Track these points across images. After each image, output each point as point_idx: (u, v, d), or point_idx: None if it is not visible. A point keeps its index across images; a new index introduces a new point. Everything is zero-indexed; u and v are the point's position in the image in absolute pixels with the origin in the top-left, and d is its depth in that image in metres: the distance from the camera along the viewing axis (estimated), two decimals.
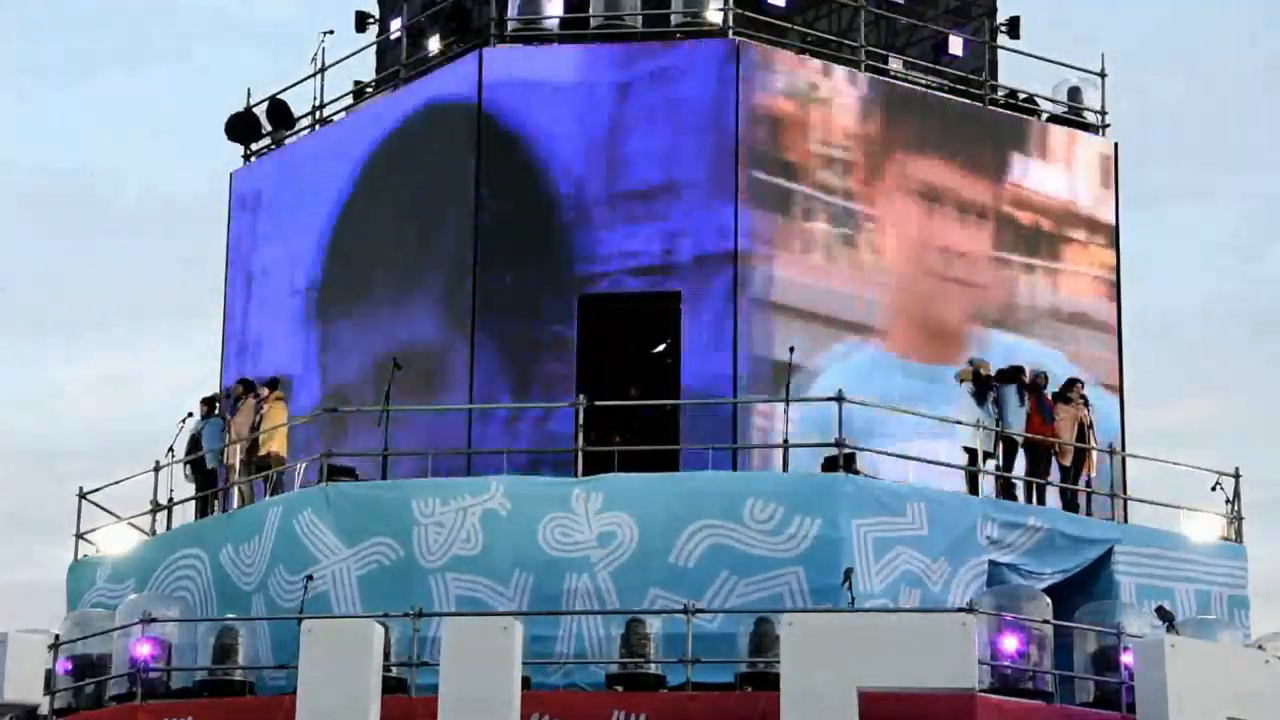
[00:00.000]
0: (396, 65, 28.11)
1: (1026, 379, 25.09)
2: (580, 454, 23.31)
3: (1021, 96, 28.55)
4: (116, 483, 26.07)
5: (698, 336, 25.22)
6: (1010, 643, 21.72)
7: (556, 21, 26.74)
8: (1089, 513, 25.09)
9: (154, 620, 22.81)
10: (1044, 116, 28.63)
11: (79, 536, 26.27)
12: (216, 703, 22.35)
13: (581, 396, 23.84)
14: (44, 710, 23.65)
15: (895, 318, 26.12)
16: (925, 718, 20.46)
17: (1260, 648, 22.77)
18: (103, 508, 26.17)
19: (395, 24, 28.91)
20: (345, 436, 25.41)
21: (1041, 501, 24.84)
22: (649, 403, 25.06)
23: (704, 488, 23.06)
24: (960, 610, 21.37)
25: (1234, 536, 25.31)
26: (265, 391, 25.59)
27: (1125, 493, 25.97)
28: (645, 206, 25.45)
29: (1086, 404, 25.43)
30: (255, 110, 29.34)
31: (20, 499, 48.07)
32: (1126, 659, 21.96)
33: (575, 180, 25.63)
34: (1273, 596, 26.00)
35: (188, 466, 25.95)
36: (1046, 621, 22.15)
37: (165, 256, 49.84)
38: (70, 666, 23.75)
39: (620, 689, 21.71)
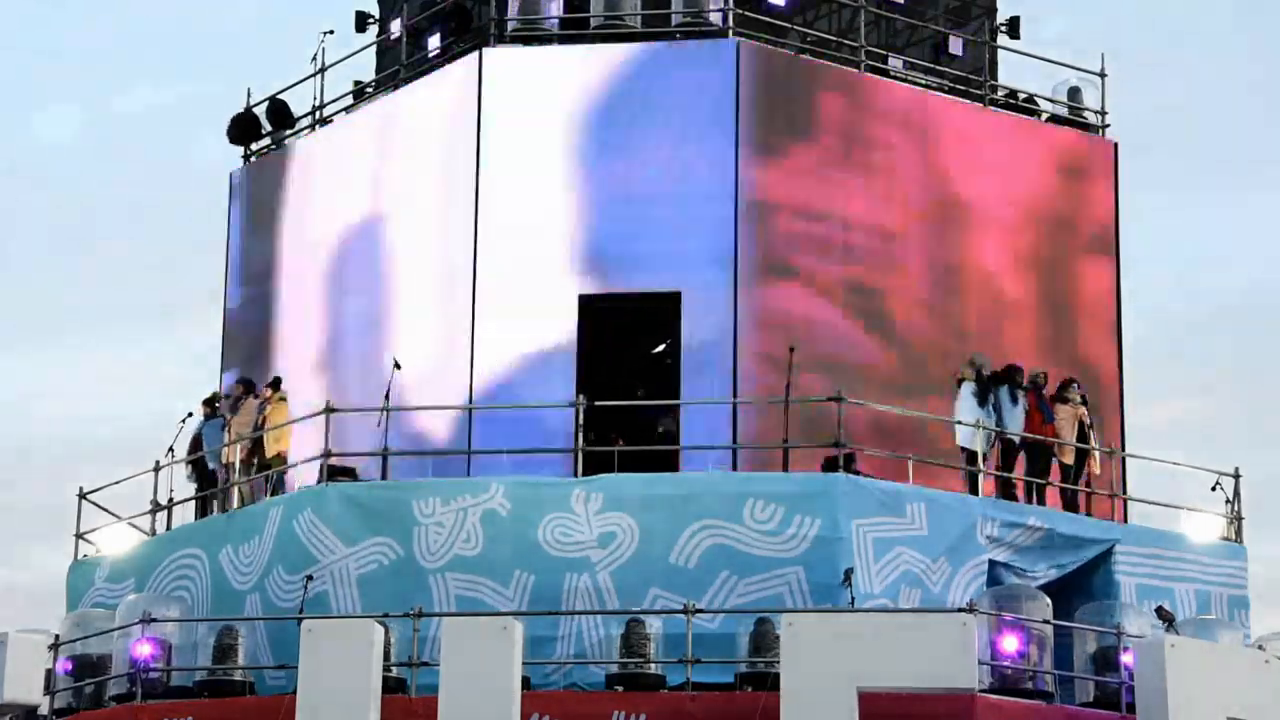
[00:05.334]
0: (396, 65, 28.12)
1: (1023, 379, 25.10)
2: (580, 454, 23.32)
3: (1021, 97, 28.56)
4: (116, 483, 26.08)
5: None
6: (1010, 643, 21.73)
7: (556, 22, 26.74)
8: (1089, 512, 25.10)
9: (154, 620, 22.81)
10: (1044, 116, 28.65)
11: (79, 536, 26.27)
12: (216, 703, 22.35)
13: (581, 397, 23.85)
14: (44, 710, 23.65)
15: None
16: (925, 718, 20.47)
17: (1260, 648, 22.77)
18: (102, 507, 26.15)
19: (395, 24, 28.91)
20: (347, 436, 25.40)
21: (1041, 501, 24.84)
22: (648, 403, 25.05)
23: (704, 488, 23.07)
24: (960, 610, 21.37)
25: (1234, 536, 25.32)
26: (268, 392, 25.57)
27: (1125, 492, 25.98)
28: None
29: (1084, 402, 25.44)
30: (255, 110, 29.34)
31: (7, 499, 48.03)
32: (1127, 659, 21.99)
33: None
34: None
35: (189, 466, 25.94)
36: (1046, 621, 22.16)
37: (154, 255, 49.88)
38: (70, 666, 23.75)
39: (620, 689, 21.71)
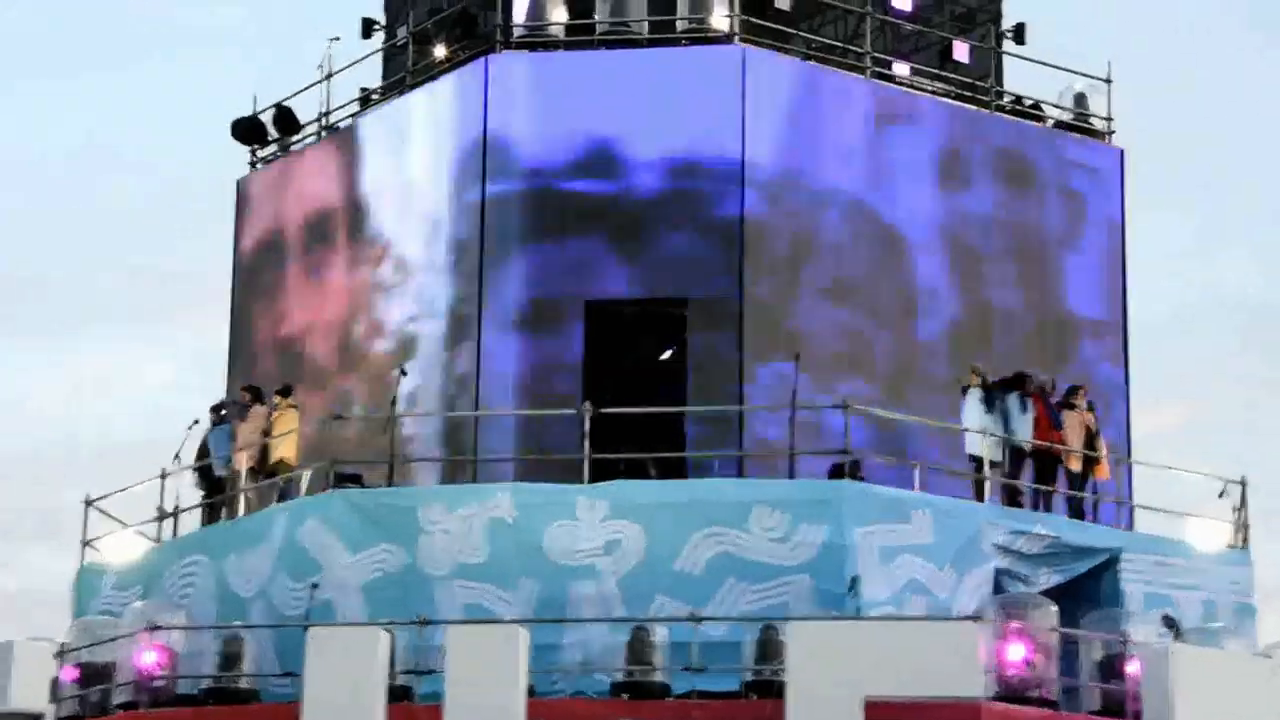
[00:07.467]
0: (402, 72, 28.14)
1: (1029, 387, 25.08)
2: (587, 461, 23.32)
3: (1028, 103, 28.56)
4: (123, 490, 26.07)
5: None
6: (1016, 651, 21.69)
7: (562, 28, 26.77)
8: (1095, 519, 25.09)
9: (159, 628, 22.81)
10: (1050, 123, 28.65)
11: (85, 543, 26.26)
12: (222, 710, 22.34)
13: (587, 404, 23.83)
14: (50, 718, 23.63)
15: None
16: None
17: (1267, 656, 22.73)
18: (109, 514, 26.13)
19: (401, 31, 28.95)
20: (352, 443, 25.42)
21: (1048, 509, 24.83)
22: (654, 410, 24.99)
23: (710, 495, 23.06)
24: (966, 618, 21.35)
25: (1240, 544, 25.28)
26: (278, 399, 25.56)
27: (1131, 499, 25.97)
28: None
29: (1091, 409, 25.43)
30: (260, 116, 29.35)
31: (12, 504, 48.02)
32: (1132, 667, 21.96)
33: None
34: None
35: (195, 474, 25.93)
36: (1052, 629, 22.12)
37: (162, 260, 49.88)
38: (76, 674, 23.73)
39: (626, 697, 21.68)
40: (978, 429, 24.38)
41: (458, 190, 26.22)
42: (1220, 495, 25.18)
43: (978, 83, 28.09)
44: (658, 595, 22.60)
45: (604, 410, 23.59)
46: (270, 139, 29.39)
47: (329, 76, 28.77)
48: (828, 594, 22.32)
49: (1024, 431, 24.72)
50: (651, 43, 26.41)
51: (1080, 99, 28.57)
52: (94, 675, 23.62)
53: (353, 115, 28.94)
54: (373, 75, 29.51)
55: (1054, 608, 22.47)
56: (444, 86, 26.96)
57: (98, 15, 55.15)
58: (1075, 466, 25.08)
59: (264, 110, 29.27)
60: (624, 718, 21.35)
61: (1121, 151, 28.39)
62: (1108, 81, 28.57)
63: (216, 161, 29.97)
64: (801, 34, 27.42)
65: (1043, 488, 24.80)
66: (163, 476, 25.67)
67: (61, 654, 23.74)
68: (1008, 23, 29.29)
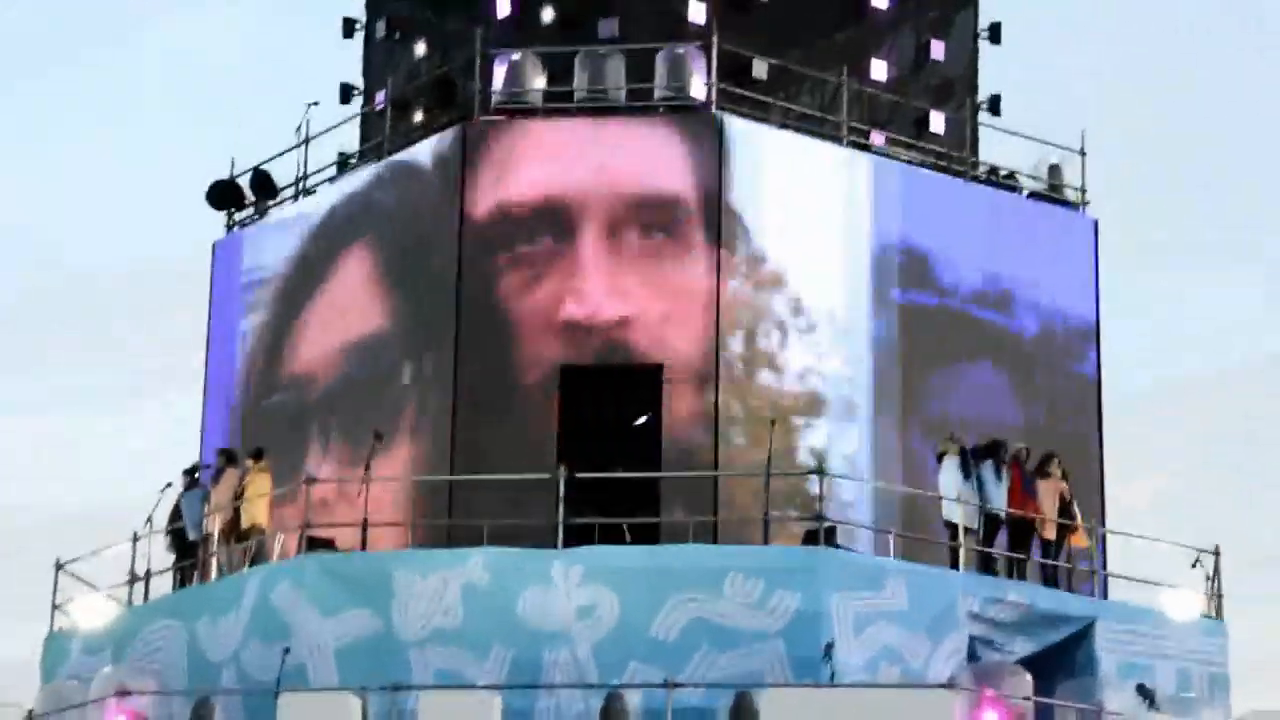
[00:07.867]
0: (380, 137, 28.24)
1: (1005, 455, 25.13)
2: (561, 526, 23.28)
3: (1002, 174, 28.75)
4: (94, 553, 25.94)
5: None
6: (991, 719, 21.65)
7: (541, 95, 26.91)
8: (1070, 588, 25.11)
9: (129, 693, 22.65)
10: (1024, 193, 28.84)
11: (55, 608, 26.11)
12: None
13: (561, 468, 23.80)
14: None
15: None
16: None
17: None
18: (80, 578, 25.99)
19: (380, 96, 29.08)
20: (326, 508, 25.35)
21: (1023, 577, 24.83)
22: (629, 474, 24.98)
23: (684, 561, 23.03)
24: (940, 686, 21.30)
25: (1214, 613, 25.30)
26: (250, 462, 25.49)
27: (1105, 568, 26.00)
28: None
29: (1065, 477, 25.48)
30: (238, 180, 29.38)
31: None
32: None
33: None
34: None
35: (168, 537, 25.82)
36: (1027, 698, 22.09)
37: (134, 324, 49.73)
38: None
39: None
40: (954, 496, 24.41)
41: None
42: (1193, 565, 25.23)
43: (953, 153, 28.27)
44: (632, 661, 22.53)
45: (579, 474, 23.60)
46: (247, 202, 29.41)
47: (306, 141, 28.86)
48: (802, 660, 22.27)
49: (999, 499, 24.76)
50: (629, 110, 26.56)
51: (1054, 170, 28.79)
52: None
53: (329, 179, 29.02)
54: (351, 140, 29.62)
55: (1028, 676, 22.46)
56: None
57: (98, 11, 54.98)
58: (1049, 534, 25.11)
59: (241, 174, 29.31)
60: None
61: (1095, 221, 28.62)
62: (1081, 153, 28.79)
63: (201, 223, 29.99)
64: (779, 103, 27.56)
65: (1017, 555, 24.83)
66: (134, 540, 25.56)
67: None
68: (983, 94, 29.53)
